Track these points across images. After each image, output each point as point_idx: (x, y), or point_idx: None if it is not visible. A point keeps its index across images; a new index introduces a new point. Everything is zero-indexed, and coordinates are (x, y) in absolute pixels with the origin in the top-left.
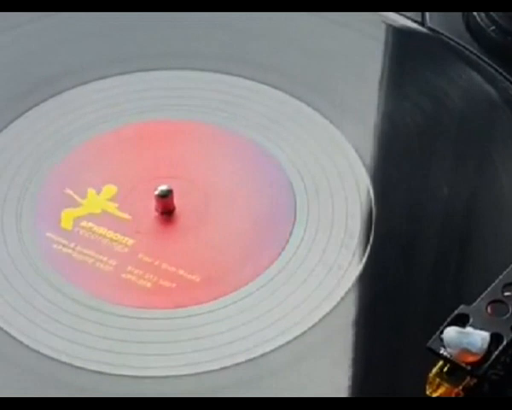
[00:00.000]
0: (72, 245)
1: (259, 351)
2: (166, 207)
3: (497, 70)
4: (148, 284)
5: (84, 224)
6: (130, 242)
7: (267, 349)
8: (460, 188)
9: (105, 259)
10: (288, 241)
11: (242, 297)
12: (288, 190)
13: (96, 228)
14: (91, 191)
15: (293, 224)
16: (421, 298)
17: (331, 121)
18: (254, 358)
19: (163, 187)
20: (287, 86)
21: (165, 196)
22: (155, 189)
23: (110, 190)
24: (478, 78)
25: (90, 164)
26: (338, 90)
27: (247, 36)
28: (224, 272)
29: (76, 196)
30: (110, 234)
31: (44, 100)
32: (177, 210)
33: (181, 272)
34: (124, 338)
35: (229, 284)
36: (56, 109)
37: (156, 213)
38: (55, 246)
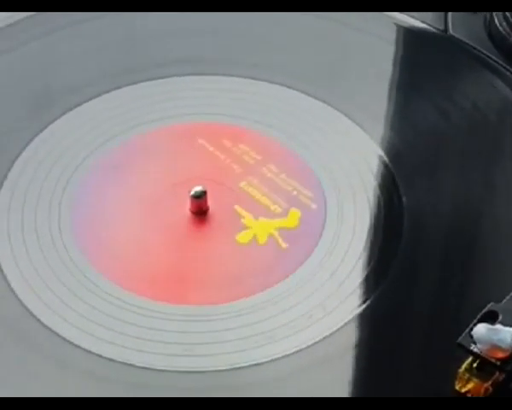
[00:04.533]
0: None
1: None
2: (200, 208)
3: None
4: None
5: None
6: None
7: (275, 356)
8: (485, 192)
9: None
10: (317, 245)
11: (268, 299)
12: (318, 193)
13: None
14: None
15: (323, 227)
16: (450, 297)
17: (361, 127)
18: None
19: (197, 188)
20: (314, 91)
21: (200, 197)
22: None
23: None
24: (500, 84)
25: None
26: (364, 94)
27: (270, 42)
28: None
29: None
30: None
31: (70, 109)
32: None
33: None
34: None
35: (254, 285)
36: (93, 113)
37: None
38: None
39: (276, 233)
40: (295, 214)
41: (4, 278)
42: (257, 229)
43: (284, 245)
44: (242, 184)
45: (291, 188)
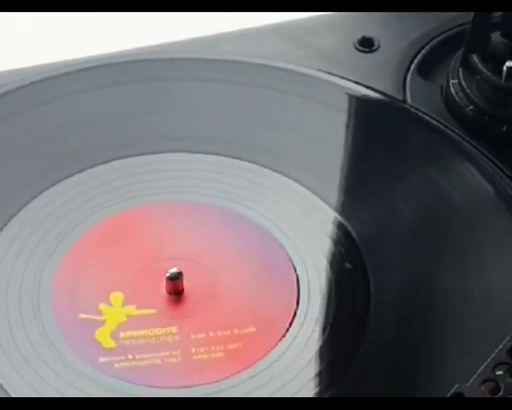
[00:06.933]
0: (131, 357)
1: None
2: (176, 289)
3: (476, 147)
4: (221, 354)
5: (122, 335)
6: (174, 329)
7: None
8: (447, 269)
9: (168, 353)
10: (292, 322)
11: (248, 377)
12: (288, 267)
13: (136, 333)
14: (103, 306)
15: (297, 301)
16: (415, 376)
17: (328, 203)
18: None
19: (173, 270)
20: (279, 166)
21: (176, 279)
22: (165, 271)
23: (117, 297)
24: (457, 155)
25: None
26: (324, 167)
27: (231, 119)
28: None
29: (94, 317)
30: (153, 331)
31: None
32: (186, 291)
33: (236, 330)
34: None
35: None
36: (66, 194)
37: (166, 294)
38: (116, 365)
39: None
40: None
41: None
42: None
43: None
44: None
45: None
